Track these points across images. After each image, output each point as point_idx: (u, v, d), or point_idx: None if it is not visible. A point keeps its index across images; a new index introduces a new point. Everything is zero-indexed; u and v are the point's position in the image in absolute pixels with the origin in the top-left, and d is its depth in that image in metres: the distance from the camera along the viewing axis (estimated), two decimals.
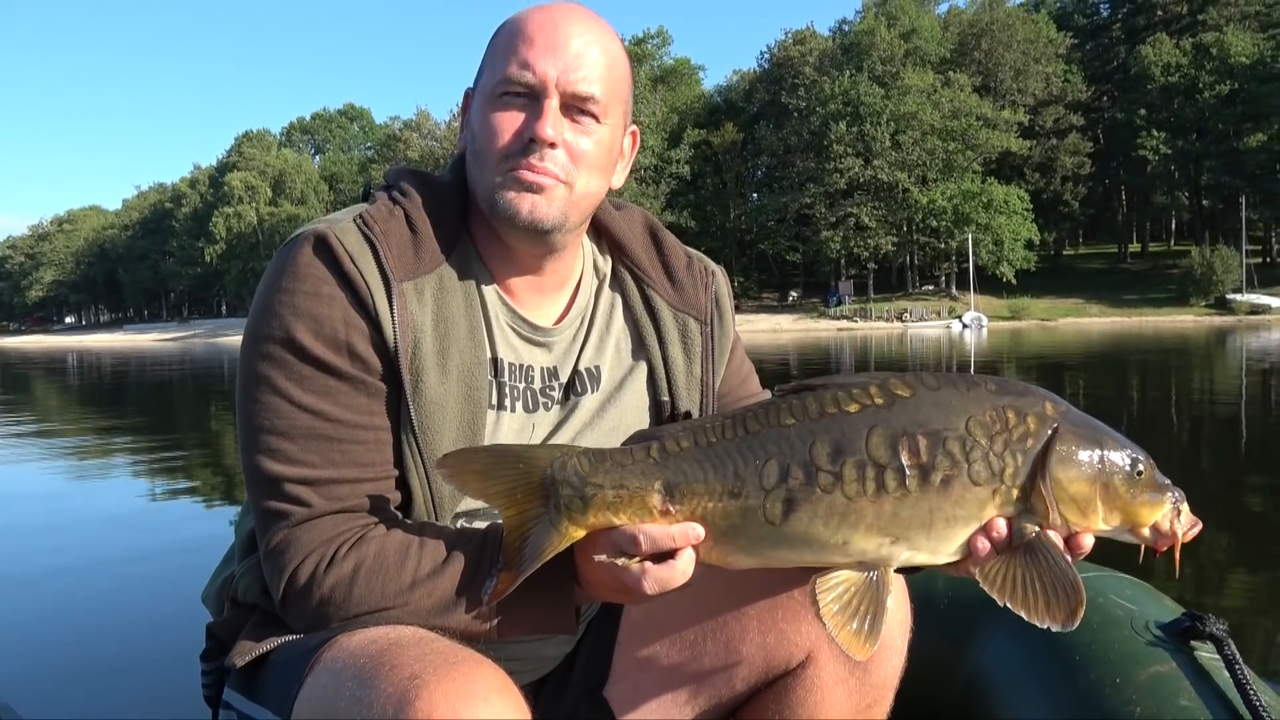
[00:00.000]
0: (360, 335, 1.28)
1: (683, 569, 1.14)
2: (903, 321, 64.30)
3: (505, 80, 1.32)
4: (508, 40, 1.34)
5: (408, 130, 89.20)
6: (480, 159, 1.35)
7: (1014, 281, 68.54)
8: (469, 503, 1.37)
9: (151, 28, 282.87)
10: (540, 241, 1.37)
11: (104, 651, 3.39)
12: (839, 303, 72.26)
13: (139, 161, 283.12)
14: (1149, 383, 15.44)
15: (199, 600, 1.52)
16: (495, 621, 1.22)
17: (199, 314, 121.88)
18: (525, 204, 1.32)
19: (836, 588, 1.13)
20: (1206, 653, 1.44)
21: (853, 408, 1.13)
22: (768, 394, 1.59)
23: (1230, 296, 62.93)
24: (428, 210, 1.37)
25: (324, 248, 1.28)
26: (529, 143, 1.30)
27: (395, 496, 1.32)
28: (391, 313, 1.28)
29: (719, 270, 1.62)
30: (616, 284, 1.53)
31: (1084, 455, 1.13)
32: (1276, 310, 60.00)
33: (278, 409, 1.26)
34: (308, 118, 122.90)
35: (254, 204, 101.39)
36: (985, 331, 52.10)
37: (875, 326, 62.06)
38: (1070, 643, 1.52)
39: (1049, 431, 1.13)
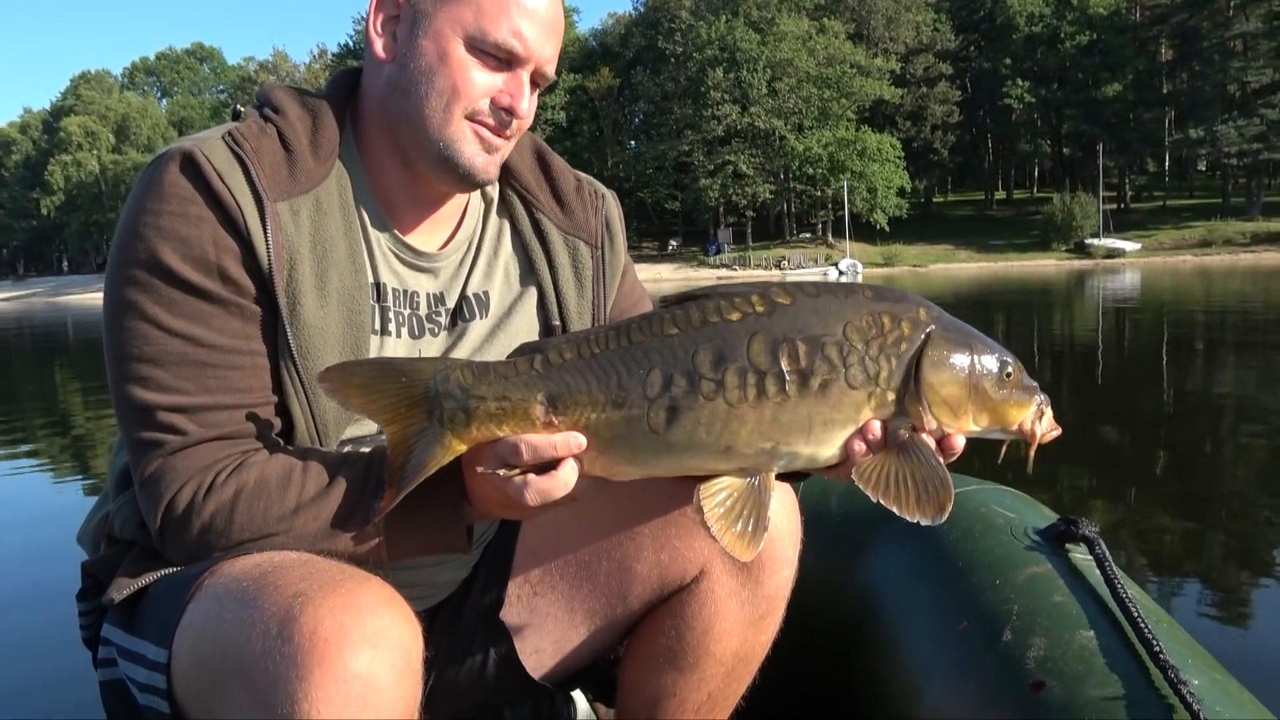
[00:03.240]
0: (231, 257, 1.22)
1: (564, 479, 1.13)
2: (781, 269, 65.30)
3: (494, 43, 1.29)
4: None
5: (264, 72, 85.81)
6: (432, 97, 1.30)
7: (887, 229, 70.24)
8: (354, 429, 1.33)
9: None
10: (468, 188, 1.40)
11: None
12: (718, 251, 72.81)
13: None
14: (1015, 322, 16.12)
15: (73, 542, 1.44)
16: (383, 540, 1.19)
17: (36, 271, 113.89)
18: (480, 160, 1.34)
19: (719, 494, 1.14)
20: (1080, 554, 1.51)
21: (734, 316, 1.13)
22: None
23: (1088, 241, 65.76)
24: (304, 129, 1.32)
25: (190, 166, 1.22)
26: (503, 111, 1.32)
27: (276, 423, 1.27)
28: (265, 233, 1.23)
29: (609, 194, 1.60)
30: (505, 208, 1.51)
31: (955, 359, 1.16)
32: (1130, 254, 63.07)
33: (147, 335, 1.20)
34: (151, 58, 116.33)
35: (95, 151, 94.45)
36: (860, 278, 53.48)
37: (754, 275, 62.93)
38: (954, 550, 1.58)
39: (922, 336, 1.15)
